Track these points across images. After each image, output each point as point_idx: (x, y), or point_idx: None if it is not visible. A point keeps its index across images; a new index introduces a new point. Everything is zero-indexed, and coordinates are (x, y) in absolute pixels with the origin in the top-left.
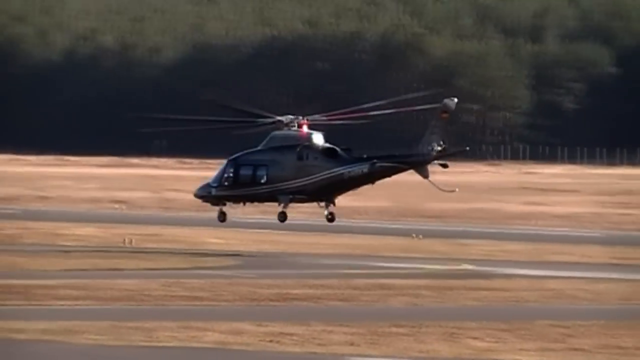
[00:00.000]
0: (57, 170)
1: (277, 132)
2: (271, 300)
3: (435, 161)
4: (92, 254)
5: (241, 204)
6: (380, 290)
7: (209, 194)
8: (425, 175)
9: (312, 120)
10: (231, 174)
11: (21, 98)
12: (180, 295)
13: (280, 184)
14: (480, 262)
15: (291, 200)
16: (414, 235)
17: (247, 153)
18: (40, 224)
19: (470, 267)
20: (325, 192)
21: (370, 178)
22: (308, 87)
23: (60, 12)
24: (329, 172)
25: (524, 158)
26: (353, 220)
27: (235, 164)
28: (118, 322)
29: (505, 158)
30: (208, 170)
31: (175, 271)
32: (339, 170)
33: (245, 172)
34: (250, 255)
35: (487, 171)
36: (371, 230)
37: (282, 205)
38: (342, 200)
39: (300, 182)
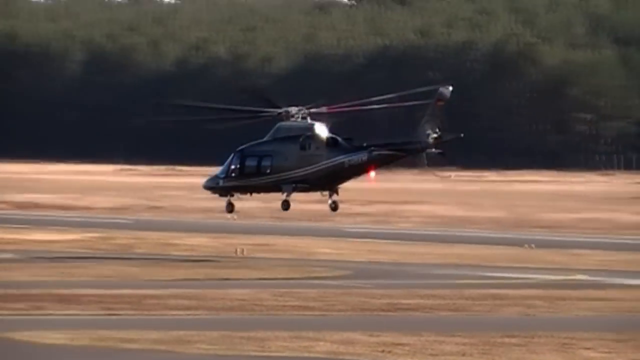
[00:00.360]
0: (168, 180)
1: (282, 123)
2: (383, 310)
3: (433, 149)
4: (203, 264)
5: (248, 194)
6: (493, 300)
7: (216, 185)
8: (422, 162)
9: (316, 112)
10: (238, 165)
11: (133, 108)
12: (291, 305)
13: (284, 173)
14: (594, 272)
15: (294, 190)
16: (526, 245)
17: (253, 144)
18: (152, 234)
19: (583, 277)
20: (328, 181)
21: (369, 166)
22: (420, 97)
23: (172, 22)
24: (330, 161)
25: (637, 168)
26: (465, 230)
27: (241, 155)
28: (230, 332)
29: (618, 168)
30: None
31: (287, 281)
32: (340, 159)
33: (251, 162)
34: (362, 265)
35: (600, 181)
36: (483, 240)
37: (285, 194)
38: (453, 210)
39: (303, 171)
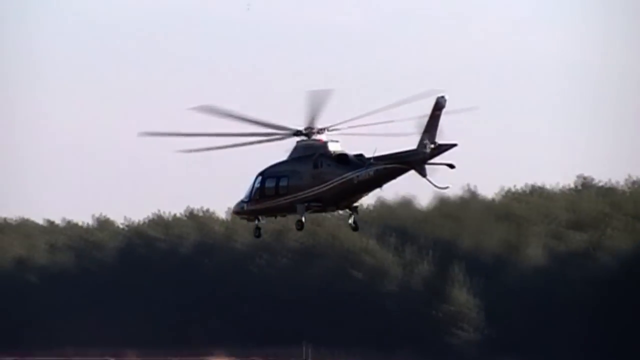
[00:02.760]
0: None
1: (300, 142)
2: None
3: (440, 161)
4: None
5: (271, 217)
6: None
7: (242, 210)
8: (423, 173)
9: (332, 129)
10: (258, 187)
11: None
12: None
13: (299, 193)
14: None
15: (307, 209)
16: None
17: (273, 165)
18: None
19: None
20: (339, 199)
21: (377, 181)
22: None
23: None
24: (340, 178)
25: None
26: None
27: (262, 177)
28: None
29: None
30: None
31: None
32: (349, 176)
33: (270, 184)
34: None
35: None
36: None
37: (300, 214)
38: None
39: (317, 189)
